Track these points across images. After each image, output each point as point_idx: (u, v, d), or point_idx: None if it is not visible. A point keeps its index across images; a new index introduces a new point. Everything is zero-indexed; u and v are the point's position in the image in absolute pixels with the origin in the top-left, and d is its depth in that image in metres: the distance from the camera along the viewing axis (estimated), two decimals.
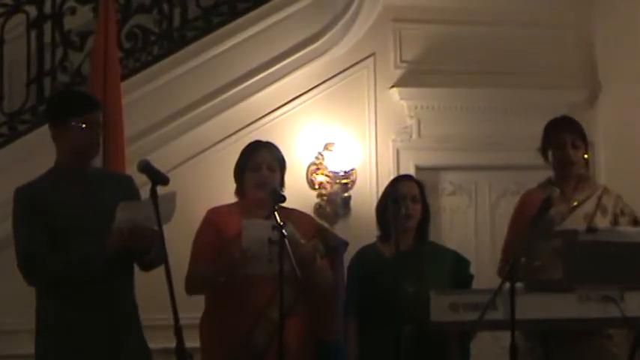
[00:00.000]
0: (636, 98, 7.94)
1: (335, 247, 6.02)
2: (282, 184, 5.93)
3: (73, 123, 5.16)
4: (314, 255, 5.49)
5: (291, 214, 5.81)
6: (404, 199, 5.94)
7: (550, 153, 6.07)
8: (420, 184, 6.23)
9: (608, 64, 8.40)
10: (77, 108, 5.22)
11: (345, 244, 6.13)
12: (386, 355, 5.74)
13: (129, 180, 5.49)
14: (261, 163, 5.87)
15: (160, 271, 4.56)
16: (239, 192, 5.93)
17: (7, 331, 6.70)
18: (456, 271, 6.10)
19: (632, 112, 7.98)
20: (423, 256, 6.04)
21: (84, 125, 5.15)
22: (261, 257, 5.42)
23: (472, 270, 6.19)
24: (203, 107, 7.63)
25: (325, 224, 7.26)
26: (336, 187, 7.96)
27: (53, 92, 7.31)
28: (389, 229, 6.02)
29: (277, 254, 5.20)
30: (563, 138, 6.00)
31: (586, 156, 6.10)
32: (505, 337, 5.03)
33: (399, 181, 6.32)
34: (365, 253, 6.18)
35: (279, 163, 5.94)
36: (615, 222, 5.94)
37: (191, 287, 5.64)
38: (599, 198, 6.04)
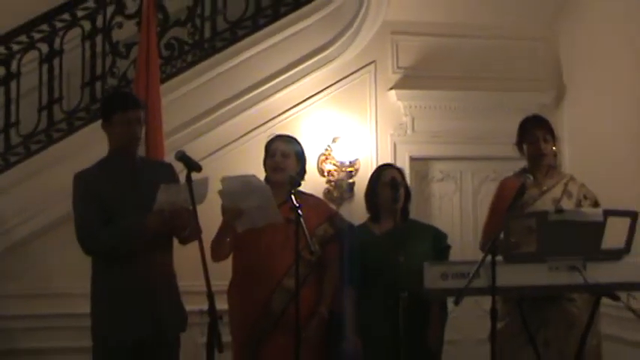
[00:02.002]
0: (595, 100, 7.96)
1: (342, 228, 6.05)
2: (301, 173, 5.95)
3: (117, 119, 5.22)
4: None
5: (309, 199, 5.89)
6: (399, 185, 5.94)
7: (525, 147, 6.07)
8: (401, 171, 6.24)
9: (572, 71, 8.40)
10: (120, 106, 5.28)
11: (352, 226, 6.15)
12: (380, 316, 5.77)
13: (170, 167, 5.53)
14: (275, 151, 5.92)
15: (196, 244, 4.55)
16: (266, 177, 5.93)
17: (67, 294, 6.75)
18: (435, 242, 6.09)
19: (591, 112, 7.99)
20: (408, 232, 6.00)
21: (125, 121, 5.21)
22: (245, 211, 5.43)
23: (457, 245, 6.26)
24: (230, 106, 7.62)
25: (333, 206, 7.26)
26: (342, 174, 7.95)
27: (104, 94, 7.32)
28: (378, 211, 6.04)
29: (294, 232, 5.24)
30: (536, 134, 6.01)
31: (554, 149, 6.11)
32: (486, 302, 5.02)
33: (386, 168, 6.29)
34: (358, 231, 6.16)
35: (296, 153, 5.94)
36: (579, 205, 5.95)
37: (212, 254, 5.61)
38: (566, 185, 6.05)
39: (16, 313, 7.04)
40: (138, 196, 5.15)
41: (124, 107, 5.26)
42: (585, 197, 6.01)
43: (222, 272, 5.73)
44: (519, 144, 6.13)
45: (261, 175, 5.93)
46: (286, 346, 5.38)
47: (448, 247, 6.13)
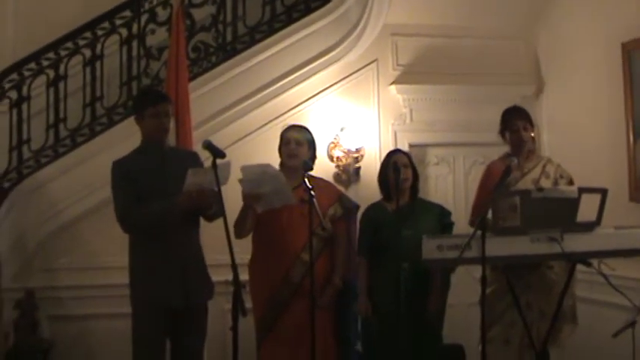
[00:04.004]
0: (569, 92, 7.94)
1: (350, 208, 6.09)
2: (312, 159, 5.93)
3: (147, 113, 5.26)
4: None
5: (319, 182, 5.89)
6: (401, 167, 5.93)
7: (507, 135, 6.08)
8: (408, 155, 6.23)
9: (549, 67, 8.37)
10: (150, 101, 5.33)
11: (357, 206, 6.18)
12: (389, 285, 5.75)
13: (195, 155, 5.59)
14: (290, 139, 5.93)
15: (221, 221, 4.54)
16: (281, 163, 5.93)
17: (110, 267, 6.77)
18: (440, 219, 6.12)
19: (566, 102, 7.97)
20: (416, 209, 6.04)
21: (155, 114, 5.25)
22: (262, 196, 5.43)
23: (452, 219, 6.18)
24: (250, 100, 7.62)
25: (342, 189, 7.25)
26: (349, 160, 7.92)
27: (137, 92, 7.34)
28: (390, 191, 6.02)
29: (308, 211, 5.25)
30: (517, 123, 6.03)
31: (532, 134, 6.12)
32: (477, 270, 5.01)
33: (394, 153, 6.30)
34: (373, 208, 6.19)
35: (308, 142, 5.95)
36: (556, 183, 5.96)
37: (235, 232, 5.62)
38: (544, 166, 6.07)
39: (66, 284, 7.13)
40: (167, 180, 5.18)
41: (154, 102, 5.29)
42: (561, 176, 6.02)
43: (245, 247, 5.75)
44: (502, 132, 6.13)
45: (276, 160, 5.93)
46: (304, 310, 5.41)
47: (452, 224, 6.16)
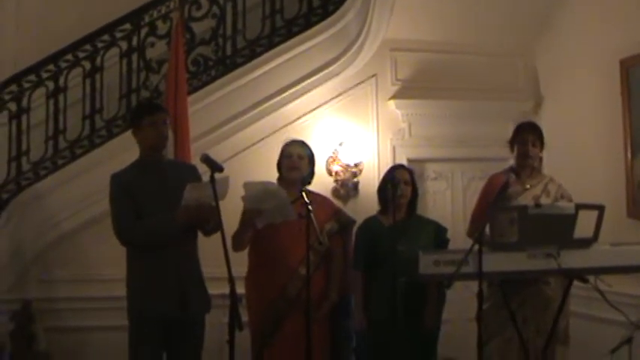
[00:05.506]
0: (568, 108, 7.95)
1: (347, 223, 6.12)
2: (311, 174, 6.00)
3: (144, 122, 5.25)
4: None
5: (317, 197, 5.90)
6: (399, 182, 5.92)
7: (515, 147, 6.09)
8: (410, 171, 6.22)
9: (548, 83, 8.39)
10: (147, 110, 5.34)
11: (354, 221, 6.19)
12: (385, 299, 5.73)
13: (193, 168, 5.56)
14: (292, 152, 5.96)
15: (218, 236, 4.55)
16: (279, 177, 5.95)
17: (107, 279, 6.78)
18: (436, 235, 6.08)
19: (565, 118, 7.97)
20: (412, 225, 6.02)
21: (153, 122, 5.24)
22: (263, 212, 5.46)
23: (448, 235, 6.17)
24: (249, 114, 7.65)
25: (340, 204, 7.28)
26: (348, 174, 7.92)
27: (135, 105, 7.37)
28: (387, 205, 6.02)
29: (305, 226, 5.26)
30: (527, 137, 6.04)
31: (540, 154, 6.13)
32: (474, 285, 5.00)
33: (395, 168, 6.30)
34: (369, 222, 6.16)
35: (308, 156, 5.98)
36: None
37: (233, 245, 5.64)
38: (546, 185, 6.05)
39: (64, 296, 7.14)
40: (165, 193, 5.17)
41: (150, 112, 5.30)
42: (562, 196, 6.01)
43: (241, 261, 5.75)
44: (511, 144, 6.16)
45: (274, 174, 5.97)
46: (300, 324, 5.39)
47: (447, 241, 6.13)
